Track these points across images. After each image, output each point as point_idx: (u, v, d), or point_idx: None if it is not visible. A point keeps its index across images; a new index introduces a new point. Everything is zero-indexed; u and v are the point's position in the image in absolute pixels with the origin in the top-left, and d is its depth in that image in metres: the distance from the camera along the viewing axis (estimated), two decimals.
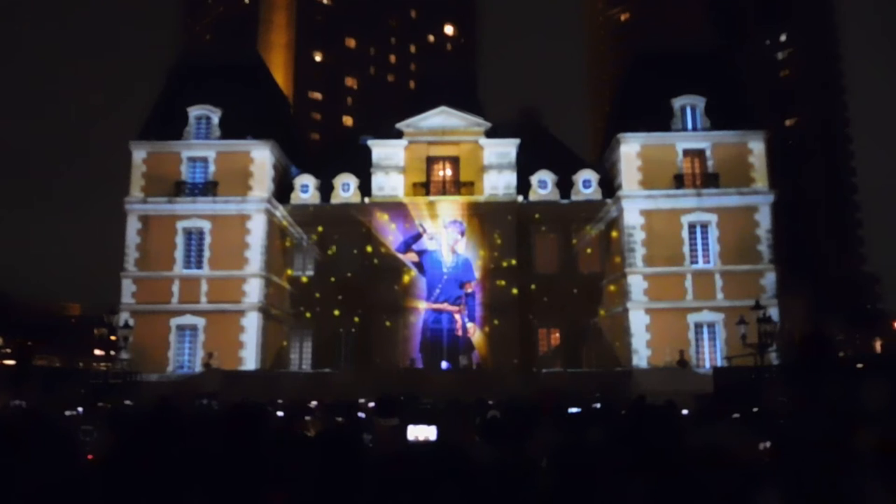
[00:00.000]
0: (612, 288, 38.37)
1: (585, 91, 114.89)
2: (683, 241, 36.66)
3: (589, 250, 39.22)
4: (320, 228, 39.50)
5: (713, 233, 36.69)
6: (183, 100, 38.55)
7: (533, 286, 38.39)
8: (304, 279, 39.93)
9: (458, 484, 3.06)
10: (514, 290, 37.95)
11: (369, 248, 38.67)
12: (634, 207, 37.01)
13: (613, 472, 3.53)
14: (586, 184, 39.67)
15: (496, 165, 39.25)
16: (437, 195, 39.15)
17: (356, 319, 38.55)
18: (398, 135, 39.74)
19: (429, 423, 4.72)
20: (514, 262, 38.24)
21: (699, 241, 36.81)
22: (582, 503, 3.25)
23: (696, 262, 36.61)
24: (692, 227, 36.87)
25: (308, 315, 39.05)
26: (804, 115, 79.33)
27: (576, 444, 3.62)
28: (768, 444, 4.73)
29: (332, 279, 38.92)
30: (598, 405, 13.33)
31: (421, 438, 4.64)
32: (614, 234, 38.42)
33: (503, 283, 37.95)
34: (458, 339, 38.02)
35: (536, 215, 39.06)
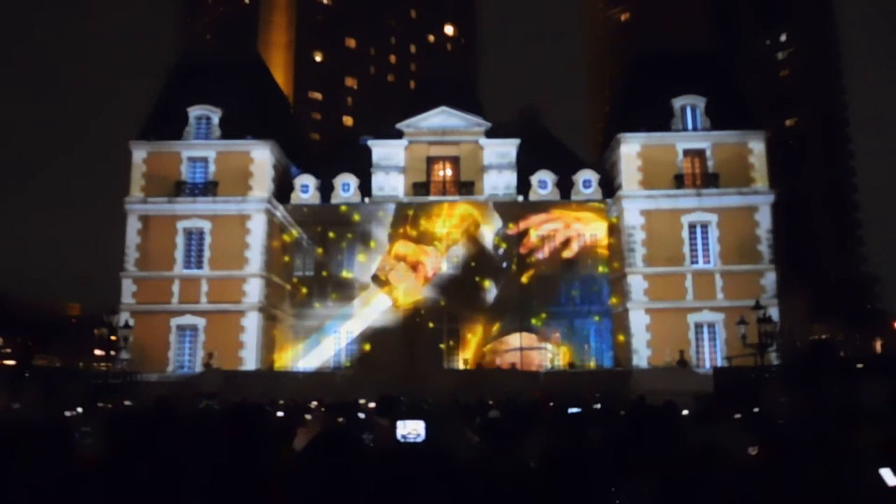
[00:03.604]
0: (612, 288, 38.43)
1: (585, 91, 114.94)
2: (683, 241, 36.68)
3: (589, 250, 39.22)
4: (320, 228, 39.51)
5: (713, 233, 36.71)
6: (183, 100, 38.54)
7: (533, 286, 38.38)
8: (304, 279, 39.94)
9: (442, 484, 3.06)
10: (514, 290, 37.92)
11: (372, 244, 38.64)
12: (634, 207, 37.03)
13: (611, 472, 3.53)
14: (586, 184, 39.66)
15: (496, 165, 39.27)
16: (437, 195, 39.17)
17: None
18: (398, 135, 39.75)
19: (417, 419, 4.72)
20: (513, 261, 38.27)
21: (699, 241, 36.82)
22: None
23: (696, 262, 36.63)
24: (692, 227, 36.89)
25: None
26: (804, 115, 79.29)
27: (568, 445, 3.62)
28: (756, 448, 4.72)
29: (333, 279, 38.92)
30: (598, 405, 13.32)
31: (409, 433, 4.64)
32: (614, 234, 38.45)
33: (503, 283, 37.94)
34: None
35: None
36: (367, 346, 37.63)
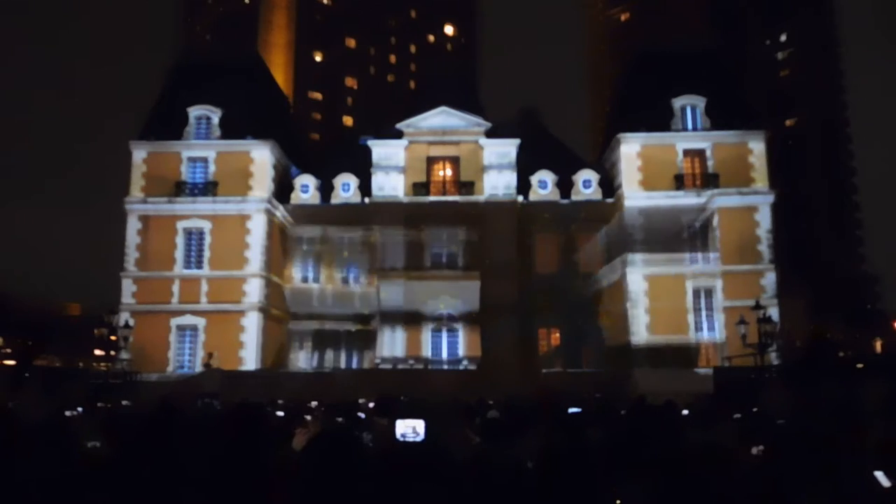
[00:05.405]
0: (612, 287, 38.41)
1: (585, 91, 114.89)
2: (683, 241, 36.68)
3: (589, 250, 39.23)
4: (320, 228, 39.47)
5: (713, 233, 36.68)
6: (183, 100, 38.53)
7: (533, 286, 38.35)
8: (304, 279, 39.91)
9: (441, 483, 3.07)
10: (514, 290, 37.87)
11: (371, 244, 38.63)
12: (634, 207, 37.02)
13: (611, 472, 3.52)
14: (586, 184, 39.66)
15: (496, 165, 39.25)
16: (437, 195, 39.15)
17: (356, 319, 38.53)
18: (398, 135, 39.73)
19: (416, 418, 4.73)
20: (513, 262, 38.21)
21: (699, 241, 36.82)
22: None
23: (696, 262, 36.64)
24: (692, 226, 36.86)
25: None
26: (804, 115, 79.30)
27: (568, 445, 3.62)
28: (761, 447, 4.72)
29: (333, 279, 38.93)
30: (598, 405, 13.29)
31: (409, 432, 4.65)
32: (614, 233, 38.41)
33: (503, 283, 37.88)
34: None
35: (537, 215, 39.03)
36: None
